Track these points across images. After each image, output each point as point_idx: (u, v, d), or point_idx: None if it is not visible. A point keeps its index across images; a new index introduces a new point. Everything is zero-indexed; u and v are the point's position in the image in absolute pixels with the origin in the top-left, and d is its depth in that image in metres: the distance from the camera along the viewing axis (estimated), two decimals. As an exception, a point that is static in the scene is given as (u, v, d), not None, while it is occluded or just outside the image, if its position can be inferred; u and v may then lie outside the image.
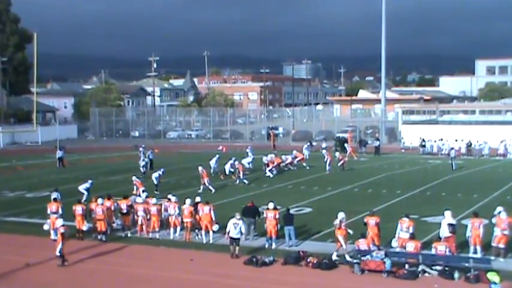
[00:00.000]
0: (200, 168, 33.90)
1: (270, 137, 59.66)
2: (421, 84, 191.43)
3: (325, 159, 40.76)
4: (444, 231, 19.34)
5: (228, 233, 19.85)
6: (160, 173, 33.24)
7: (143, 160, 40.40)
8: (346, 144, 48.20)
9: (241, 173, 35.95)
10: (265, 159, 40.22)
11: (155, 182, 32.39)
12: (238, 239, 19.91)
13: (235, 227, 19.81)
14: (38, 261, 19.73)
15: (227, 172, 37.38)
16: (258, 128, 75.24)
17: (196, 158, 51.86)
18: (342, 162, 41.39)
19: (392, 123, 71.49)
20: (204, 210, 21.83)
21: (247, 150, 45.44)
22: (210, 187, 32.56)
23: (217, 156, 40.77)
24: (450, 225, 19.27)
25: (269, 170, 38.74)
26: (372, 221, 20.04)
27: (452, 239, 18.91)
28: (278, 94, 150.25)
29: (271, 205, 21.39)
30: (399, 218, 20.06)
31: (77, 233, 22.51)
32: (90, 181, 30.03)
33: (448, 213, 19.88)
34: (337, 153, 43.06)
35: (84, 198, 28.00)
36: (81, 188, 29.59)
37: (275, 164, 39.44)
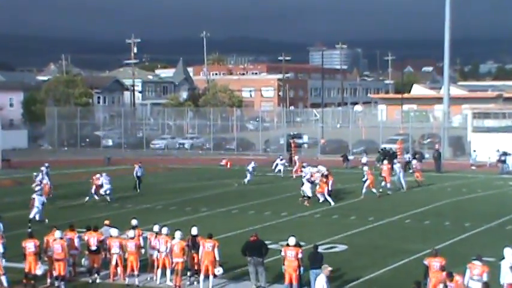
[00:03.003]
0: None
1: (290, 148, 59.64)
2: (500, 77, 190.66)
3: (364, 179, 40.65)
4: (505, 277, 19.20)
5: None
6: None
7: (38, 184, 38.14)
8: (396, 162, 46.81)
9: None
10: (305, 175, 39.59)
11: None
12: None
13: (328, 284, 18.72)
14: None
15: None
16: (275, 136, 75.23)
17: (191, 175, 52.02)
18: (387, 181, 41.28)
19: (459, 131, 71.20)
20: (206, 246, 21.84)
21: (249, 167, 45.95)
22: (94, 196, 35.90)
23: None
24: None
25: (328, 195, 38.06)
26: (435, 263, 19.80)
27: None
28: (302, 90, 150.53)
29: (292, 240, 21.29)
30: (468, 261, 19.86)
31: (25, 279, 22.37)
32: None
33: (508, 252, 19.73)
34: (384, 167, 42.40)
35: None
36: None
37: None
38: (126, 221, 26.66)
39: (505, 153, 53.95)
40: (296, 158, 52.52)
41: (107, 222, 24.93)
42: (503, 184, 47.03)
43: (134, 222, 24.34)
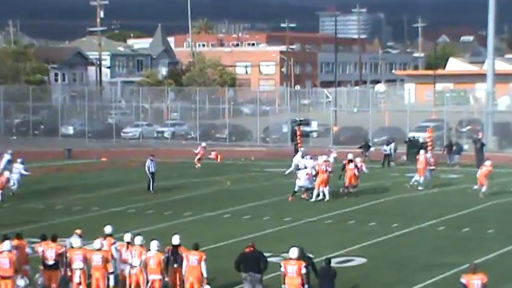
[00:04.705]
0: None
1: (296, 138, 59.62)
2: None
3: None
4: None
5: None
6: None
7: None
8: (422, 151, 47.41)
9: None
10: (305, 164, 40.11)
11: None
12: None
13: None
14: None
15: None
16: (277, 123, 75.18)
17: (172, 171, 51.96)
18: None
19: (506, 116, 71.16)
20: (190, 259, 21.90)
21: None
22: None
23: None
24: None
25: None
26: (475, 281, 19.89)
27: None
28: (311, 65, 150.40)
29: (294, 252, 21.27)
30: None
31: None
32: None
33: None
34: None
35: None
36: None
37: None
38: (91, 228, 26.69)
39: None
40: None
41: (78, 231, 24.66)
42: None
43: (108, 229, 24.22)
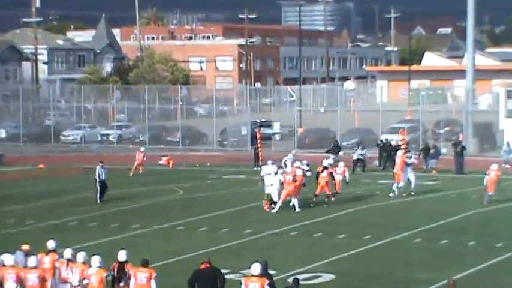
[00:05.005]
0: None
1: (256, 141, 59.67)
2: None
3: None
4: None
5: None
6: None
7: None
8: (400, 153, 47.60)
9: None
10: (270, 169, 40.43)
11: None
12: None
13: None
14: None
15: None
16: (235, 125, 75.09)
17: (119, 179, 51.69)
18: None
19: (488, 116, 71.53)
20: (139, 277, 21.83)
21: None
22: None
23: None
24: None
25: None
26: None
27: None
28: (273, 60, 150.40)
29: (255, 268, 21.22)
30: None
31: None
32: None
33: None
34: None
35: None
36: None
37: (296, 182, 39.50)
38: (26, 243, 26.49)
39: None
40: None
41: (25, 247, 24.42)
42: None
43: (52, 244, 24.06)
